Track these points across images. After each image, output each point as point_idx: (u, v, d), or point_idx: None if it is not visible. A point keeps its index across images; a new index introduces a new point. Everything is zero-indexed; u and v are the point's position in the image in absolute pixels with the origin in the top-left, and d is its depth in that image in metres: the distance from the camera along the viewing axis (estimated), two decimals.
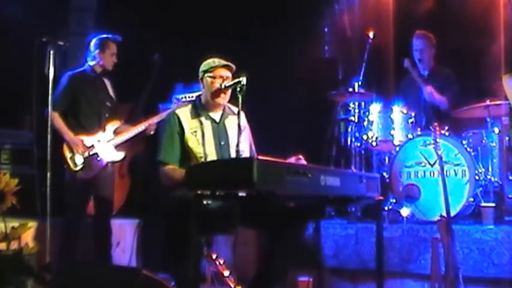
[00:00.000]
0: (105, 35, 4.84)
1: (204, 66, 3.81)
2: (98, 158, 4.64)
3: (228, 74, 3.74)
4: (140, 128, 4.78)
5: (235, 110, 3.72)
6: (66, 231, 4.58)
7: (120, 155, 4.77)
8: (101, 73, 4.85)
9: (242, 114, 3.73)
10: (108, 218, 4.79)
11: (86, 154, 4.58)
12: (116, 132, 4.78)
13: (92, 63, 4.81)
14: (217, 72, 3.73)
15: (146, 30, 6.10)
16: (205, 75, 3.77)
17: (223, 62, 3.76)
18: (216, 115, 3.82)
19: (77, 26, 5.99)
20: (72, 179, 4.59)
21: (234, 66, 3.76)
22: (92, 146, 4.64)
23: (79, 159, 4.57)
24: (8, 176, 3.54)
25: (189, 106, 3.82)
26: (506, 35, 5.05)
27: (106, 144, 4.70)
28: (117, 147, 4.75)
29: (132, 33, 6.26)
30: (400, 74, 5.75)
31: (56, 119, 4.54)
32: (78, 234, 4.61)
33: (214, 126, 3.77)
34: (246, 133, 3.84)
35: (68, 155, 4.57)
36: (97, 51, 4.80)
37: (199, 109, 3.79)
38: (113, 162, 4.79)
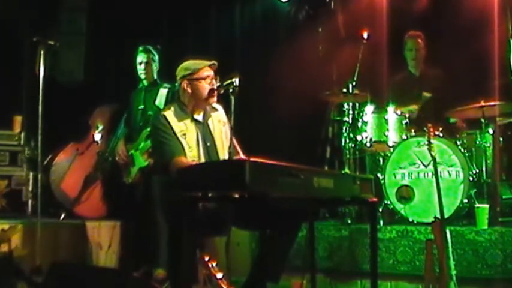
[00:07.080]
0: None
1: (185, 70, 3.68)
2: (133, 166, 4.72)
3: (212, 72, 3.68)
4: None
5: (216, 106, 3.71)
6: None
7: (144, 163, 4.66)
8: (149, 84, 4.90)
9: (221, 108, 3.71)
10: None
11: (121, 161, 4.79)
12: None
13: None
14: (204, 72, 3.65)
15: (140, 30, 6.07)
16: (190, 78, 3.65)
17: (208, 62, 3.68)
18: (199, 117, 3.72)
19: (68, 25, 5.93)
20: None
21: (216, 63, 3.70)
22: (131, 154, 4.72)
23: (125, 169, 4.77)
24: None
25: (172, 108, 3.68)
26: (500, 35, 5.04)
27: (137, 152, 4.70)
28: (144, 154, 4.67)
29: (125, 33, 6.23)
30: (393, 74, 5.73)
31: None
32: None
33: (199, 128, 3.67)
34: (227, 128, 3.76)
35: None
36: None
37: (183, 111, 3.67)
38: (141, 170, 4.68)
